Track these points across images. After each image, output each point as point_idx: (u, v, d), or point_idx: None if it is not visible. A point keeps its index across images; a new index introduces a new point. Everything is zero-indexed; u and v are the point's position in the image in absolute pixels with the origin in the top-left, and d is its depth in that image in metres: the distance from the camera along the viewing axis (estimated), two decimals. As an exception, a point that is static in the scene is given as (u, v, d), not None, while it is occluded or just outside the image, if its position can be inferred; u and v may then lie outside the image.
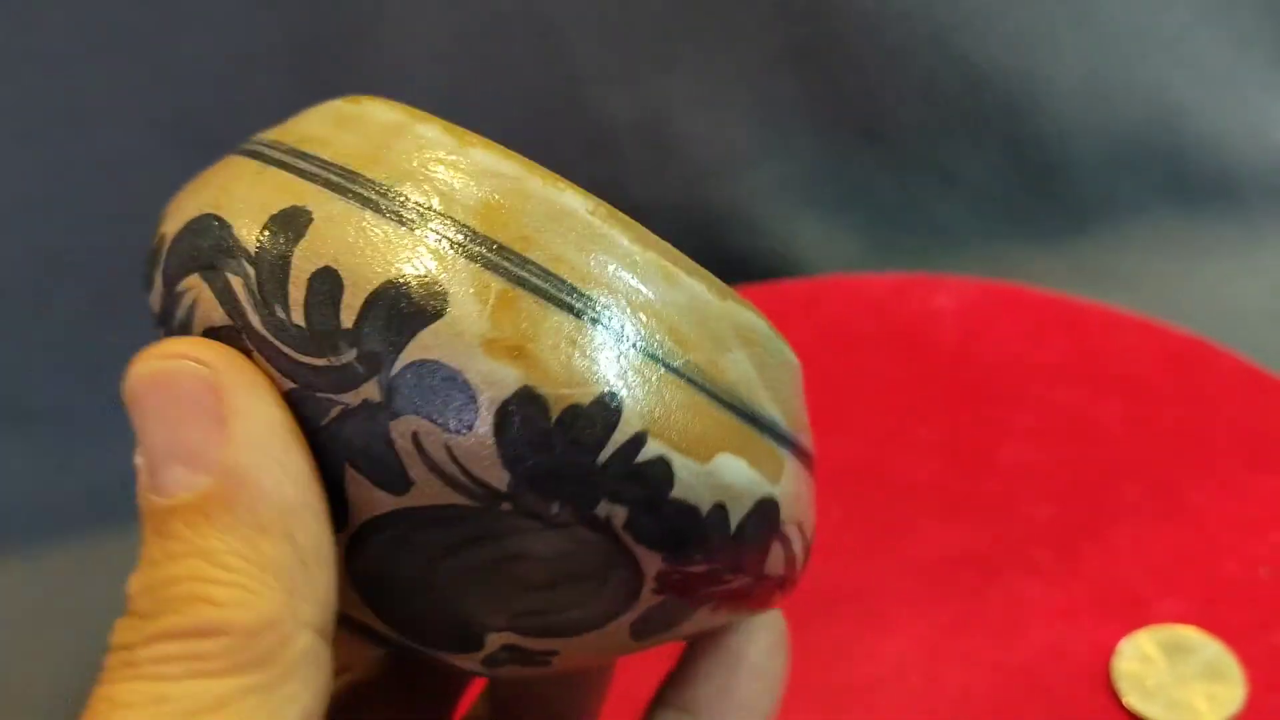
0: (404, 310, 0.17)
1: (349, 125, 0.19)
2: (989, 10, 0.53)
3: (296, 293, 0.18)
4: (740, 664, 0.21)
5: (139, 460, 0.18)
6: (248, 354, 0.18)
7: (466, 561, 0.18)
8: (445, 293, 0.17)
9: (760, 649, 0.22)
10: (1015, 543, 0.41)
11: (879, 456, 0.44)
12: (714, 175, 0.54)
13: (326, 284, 0.18)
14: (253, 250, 0.18)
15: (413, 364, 0.17)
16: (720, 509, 0.18)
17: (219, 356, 0.18)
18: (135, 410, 0.18)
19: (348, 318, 0.17)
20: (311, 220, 0.18)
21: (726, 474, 0.18)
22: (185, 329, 0.19)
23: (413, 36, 0.50)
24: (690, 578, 0.19)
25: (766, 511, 0.19)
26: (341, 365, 0.17)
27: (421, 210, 0.18)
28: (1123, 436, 0.44)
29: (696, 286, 0.19)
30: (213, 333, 0.18)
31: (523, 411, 0.17)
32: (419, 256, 0.17)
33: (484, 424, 0.17)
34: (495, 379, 0.17)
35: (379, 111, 0.20)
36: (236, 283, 0.18)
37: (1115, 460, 0.43)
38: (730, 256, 0.54)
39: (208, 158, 0.56)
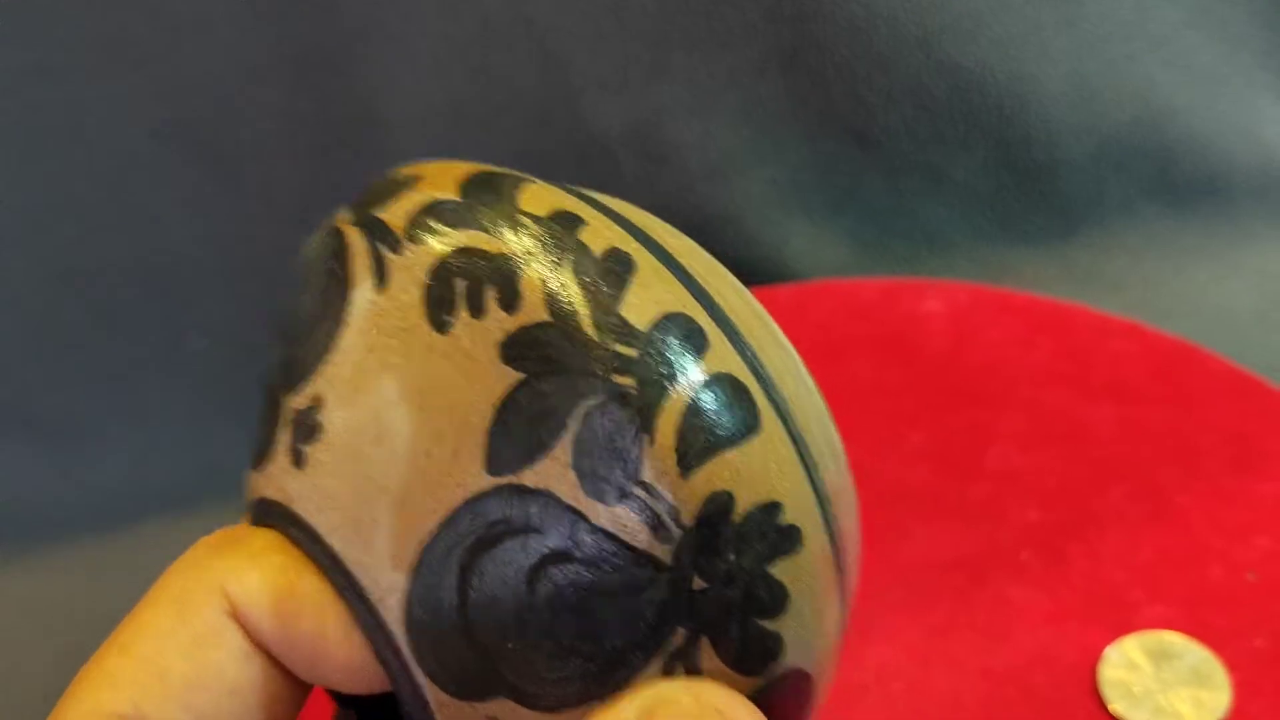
0: None
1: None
2: (976, 13, 0.53)
3: None
4: None
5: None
6: None
7: None
8: None
9: None
10: (1003, 547, 0.41)
11: (869, 461, 0.44)
12: (704, 181, 0.54)
13: None
14: None
15: None
16: None
17: None
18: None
19: None
20: None
21: None
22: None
23: (407, 47, 0.50)
24: None
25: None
26: None
27: None
28: (1110, 440, 0.44)
29: None
30: None
31: None
32: None
33: None
34: None
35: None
36: None
37: (1103, 464, 0.43)
38: (722, 261, 0.54)
39: (208, 167, 0.56)
